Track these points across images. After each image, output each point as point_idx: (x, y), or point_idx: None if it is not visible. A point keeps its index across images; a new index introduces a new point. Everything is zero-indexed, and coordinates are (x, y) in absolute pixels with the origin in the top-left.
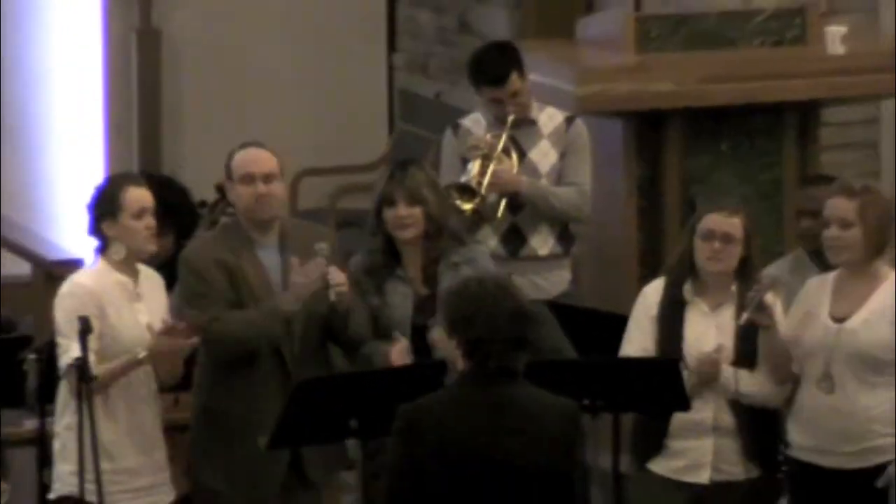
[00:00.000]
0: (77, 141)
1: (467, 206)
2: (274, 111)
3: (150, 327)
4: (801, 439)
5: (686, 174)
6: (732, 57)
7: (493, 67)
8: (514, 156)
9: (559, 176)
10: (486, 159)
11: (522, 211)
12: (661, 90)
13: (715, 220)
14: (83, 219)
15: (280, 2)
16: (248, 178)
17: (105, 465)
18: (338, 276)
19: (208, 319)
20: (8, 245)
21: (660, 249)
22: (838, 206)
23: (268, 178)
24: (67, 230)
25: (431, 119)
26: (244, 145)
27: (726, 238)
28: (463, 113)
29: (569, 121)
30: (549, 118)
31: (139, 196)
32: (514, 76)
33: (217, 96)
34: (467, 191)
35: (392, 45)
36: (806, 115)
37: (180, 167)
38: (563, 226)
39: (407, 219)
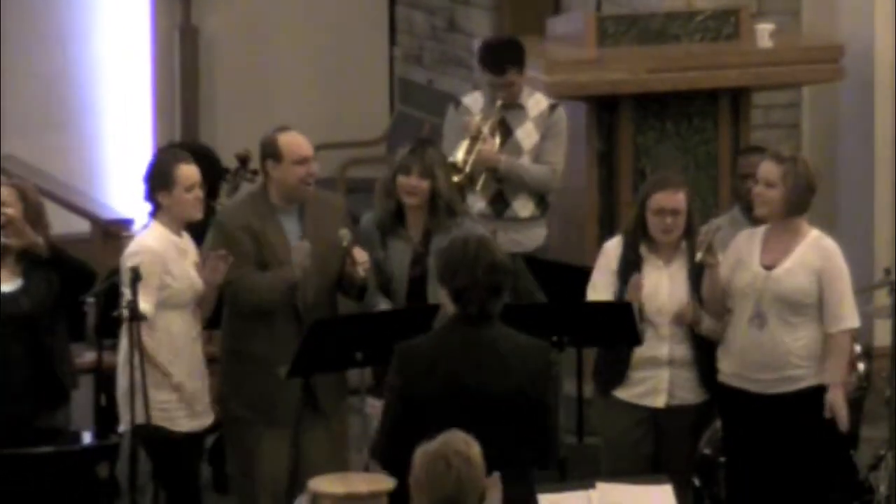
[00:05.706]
0: (129, 121)
1: (455, 179)
2: (293, 95)
3: (197, 265)
4: (730, 368)
5: (636, 148)
6: (676, 50)
7: (497, 60)
8: (498, 137)
9: (538, 154)
10: (474, 140)
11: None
12: (616, 78)
13: (664, 199)
14: (132, 186)
15: (299, 4)
16: (304, 160)
17: (172, 396)
18: (361, 256)
19: (232, 279)
20: (71, 207)
21: (615, 210)
22: (767, 168)
23: (315, 158)
24: (119, 195)
25: (425, 102)
26: (282, 129)
27: (674, 213)
28: (451, 96)
29: (552, 107)
30: (535, 103)
31: (190, 172)
32: (512, 70)
33: (245, 82)
34: (455, 167)
35: (392, 40)
36: (738, 99)
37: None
38: (541, 193)
39: (417, 188)
